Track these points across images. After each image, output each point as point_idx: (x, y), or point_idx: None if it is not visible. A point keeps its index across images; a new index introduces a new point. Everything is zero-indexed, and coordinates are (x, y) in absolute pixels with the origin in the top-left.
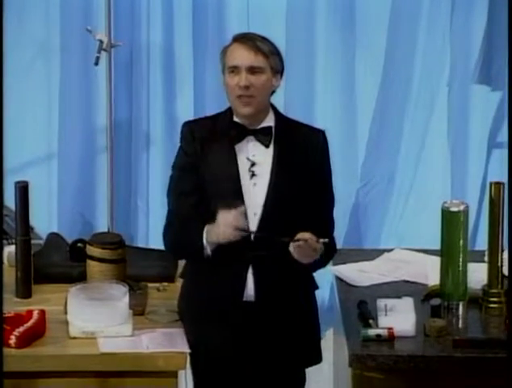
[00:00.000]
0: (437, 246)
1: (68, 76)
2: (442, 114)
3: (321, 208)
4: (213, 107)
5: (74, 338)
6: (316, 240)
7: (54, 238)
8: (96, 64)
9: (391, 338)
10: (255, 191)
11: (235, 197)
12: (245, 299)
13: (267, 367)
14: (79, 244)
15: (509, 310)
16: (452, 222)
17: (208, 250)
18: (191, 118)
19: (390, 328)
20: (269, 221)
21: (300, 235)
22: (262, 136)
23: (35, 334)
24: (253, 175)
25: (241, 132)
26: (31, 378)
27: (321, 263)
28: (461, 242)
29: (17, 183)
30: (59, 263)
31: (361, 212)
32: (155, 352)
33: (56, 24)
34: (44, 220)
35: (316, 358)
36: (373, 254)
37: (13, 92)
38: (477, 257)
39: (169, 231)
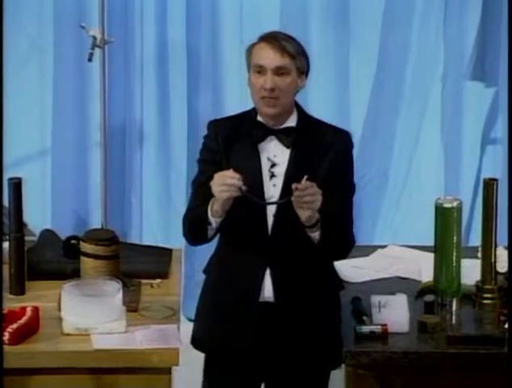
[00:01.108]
0: (431, 242)
1: (62, 72)
2: (436, 110)
3: (339, 206)
4: (207, 103)
5: (68, 334)
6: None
7: (48, 234)
8: (90, 60)
9: (385, 334)
10: (274, 192)
11: (257, 197)
12: (263, 300)
13: (287, 369)
14: (73, 241)
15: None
16: (446, 218)
17: (214, 226)
18: (185, 113)
19: (384, 325)
20: (283, 222)
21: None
22: (284, 136)
23: (29, 330)
24: (272, 175)
25: (264, 132)
26: (25, 375)
27: (332, 249)
28: (455, 238)
29: (10, 179)
30: (52, 260)
31: (355, 209)
32: (149, 349)
33: (50, 20)
34: (38, 216)
35: (340, 360)
36: (367, 250)
37: (7, 89)
38: (471, 253)
39: (186, 218)
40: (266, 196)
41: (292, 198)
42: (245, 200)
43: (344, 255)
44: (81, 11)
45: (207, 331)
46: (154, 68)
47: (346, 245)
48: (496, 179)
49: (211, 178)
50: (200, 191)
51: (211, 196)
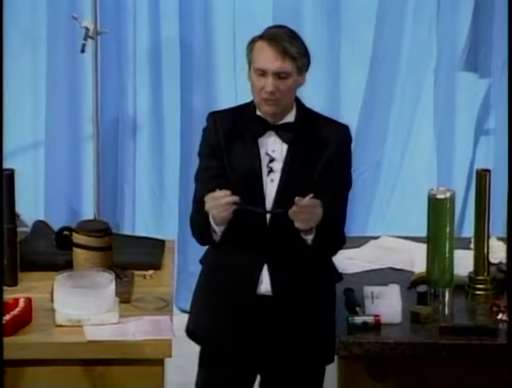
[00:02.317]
0: (424, 233)
1: (54, 64)
2: (429, 101)
3: (332, 203)
4: (200, 94)
5: (60, 326)
6: (302, 200)
7: (40, 225)
8: (82, 51)
9: (377, 325)
10: (271, 188)
11: (255, 192)
12: (261, 293)
13: (283, 362)
14: (65, 232)
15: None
16: (438, 209)
17: (218, 234)
18: (178, 105)
19: (376, 315)
20: (280, 217)
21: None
22: (283, 132)
23: (22, 322)
24: (270, 170)
25: (263, 127)
26: (18, 366)
27: (324, 248)
28: (447, 229)
29: (3, 170)
30: (45, 251)
31: (348, 200)
32: (141, 340)
33: (43, 12)
34: (31, 207)
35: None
36: (360, 241)
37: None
38: (464, 244)
39: (193, 218)
40: (264, 191)
41: (290, 211)
42: (245, 198)
43: (334, 253)
44: (74, 2)
45: (204, 323)
46: (147, 59)
47: (337, 244)
48: (489, 170)
49: (214, 175)
50: (205, 190)
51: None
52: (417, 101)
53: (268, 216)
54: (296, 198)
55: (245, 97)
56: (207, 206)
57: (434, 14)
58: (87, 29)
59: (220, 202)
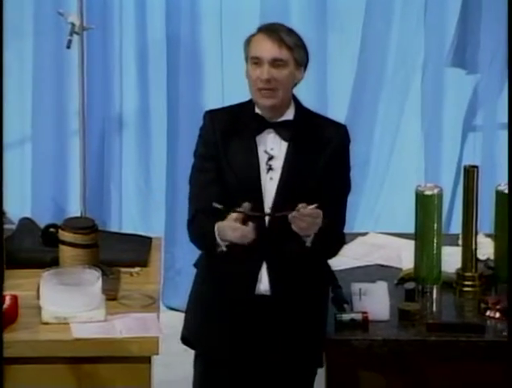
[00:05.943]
0: (412, 229)
1: (41, 59)
2: (417, 97)
3: (332, 204)
4: (187, 92)
5: (47, 323)
6: (305, 207)
7: (26, 222)
8: (68, 47)
9: (365, 322)
10: (271, 186)
11: (253, 190)
12: (260, 292)
13: (277, 364)
14: (52, 229)
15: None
16: (426, 206)
17: (223, 247)
18: (164, 102)
19: (364, 312)
20: (280, 219)
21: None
22: (282, 129)
23: (8, 319)
24: (269, 168)
25: (262, 125)
26: (3, 364)
27: (324, 250)
28: (435, 225)
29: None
30: (31, 248)
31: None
32: (128, 337)
33: (29, 7)
34: (17, 204)
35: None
36: (347, 238)
37: None
38: (452, 241)
39: (192, 224)
40: (263, 189)
41: (289, 215)
42: (243, 196)
43: (333, 255)
44: None
45: (200, 328)
46: (134, 56)
47: (336, 246)
48: (476, 166)
49: (211, 179)
50: (204, 195)
51: (215, 197)
52: (404, 97)
53: (268, 216)
54: (300, 205)
55: (231, 95)
56: (226, 227)
57: (422, 10)
58: (73, 25)
59: (244, 238)
